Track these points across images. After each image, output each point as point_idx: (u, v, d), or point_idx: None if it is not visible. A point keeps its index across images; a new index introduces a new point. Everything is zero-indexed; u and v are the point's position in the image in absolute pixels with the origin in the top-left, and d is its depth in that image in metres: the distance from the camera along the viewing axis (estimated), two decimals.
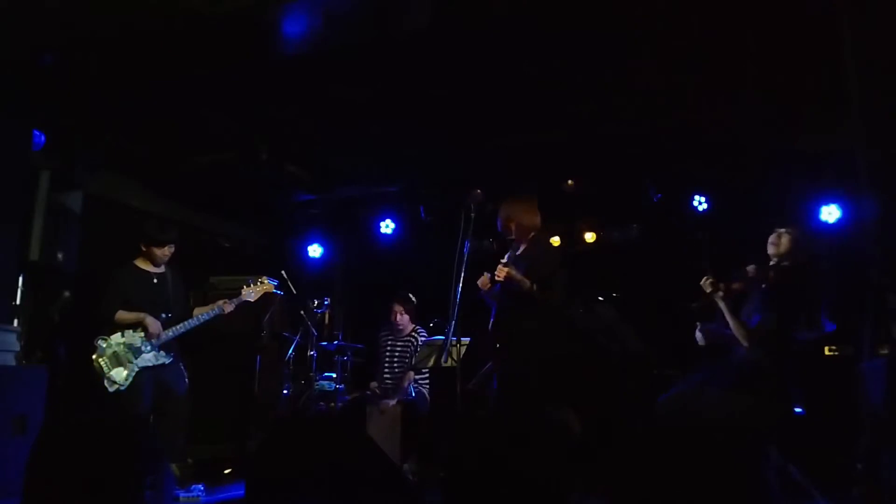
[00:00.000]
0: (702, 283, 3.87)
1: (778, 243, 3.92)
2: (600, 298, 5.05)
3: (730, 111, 5.27)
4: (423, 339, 6.03)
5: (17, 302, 5.16)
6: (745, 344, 3.75)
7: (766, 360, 3.65)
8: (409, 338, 6.12)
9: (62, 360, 5.34)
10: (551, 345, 4.18)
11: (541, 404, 3.96)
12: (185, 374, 4.99)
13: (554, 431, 2.41)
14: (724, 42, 4.35)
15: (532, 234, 4.47)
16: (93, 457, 2.37)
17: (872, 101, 3.63)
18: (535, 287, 4.20)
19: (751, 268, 3.88)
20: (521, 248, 4.45)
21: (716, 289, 3.83)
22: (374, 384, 6.13)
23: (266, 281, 5.27)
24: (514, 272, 4.19)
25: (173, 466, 4.74)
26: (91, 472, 2.35)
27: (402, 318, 6.13)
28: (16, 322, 5.03)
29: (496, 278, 4.24)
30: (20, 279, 5.21)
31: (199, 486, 4.72)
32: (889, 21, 3.88)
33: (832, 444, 4.18)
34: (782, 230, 3.93)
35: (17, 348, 4.81)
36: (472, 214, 4.25)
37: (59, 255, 5.35)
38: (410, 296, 6.18)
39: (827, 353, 5.28)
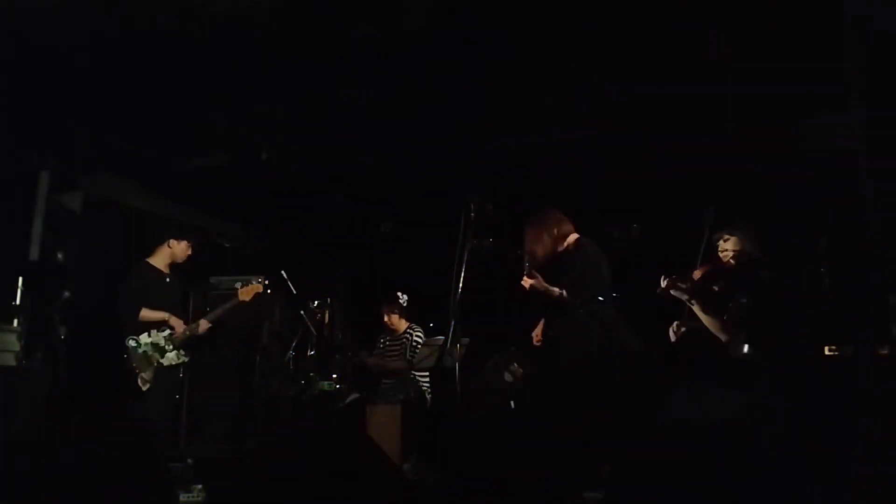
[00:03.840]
0: (662, 286, 3.91)
1: (724, 247, 3.95)
2: (600, 298, 5.03)
3: (729, 111, 5.26)
4: (418, 337, 6.09)
5: (17, 302, 5.17)
6: (721, 337, 3.79)
7: (756, 356, 3.67)
8: (402, 336, 6.19)
9: (62, 360, 5.35)
10: (582, 345, 4.26)
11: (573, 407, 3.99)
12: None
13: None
14: (723, 41, 4.35)
15: (564, 244, 4.46)
16: (92, 456, 2.37)
17: (873, 100, 3.63)
18: (563, 294, 4.28)
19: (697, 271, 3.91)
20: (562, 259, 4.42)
21: (671, 285, 3.83)
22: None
23: (254, 282, 5.37)
24: (538, 283, 4.25)
25: (173, 466, 4.76)
26: (91, 471, 2.35)
27: (393, 320, 6.25)
28: (16, 322, 5.04)
29: (524, 285, 4.29)
30: (20, 279, 5.22)
31: (199, 486, 4.72)
32: (890, 19, 3.88)
33: (831, 444, 4.17)
34: (727, 235, 3.95)
35: (17, 348, 4.83)
36: (472, 215, 4.25)
37: (59, 255, 5.37)
38: (399, 295, 6.23)
39: (827, 352, 5.26)
